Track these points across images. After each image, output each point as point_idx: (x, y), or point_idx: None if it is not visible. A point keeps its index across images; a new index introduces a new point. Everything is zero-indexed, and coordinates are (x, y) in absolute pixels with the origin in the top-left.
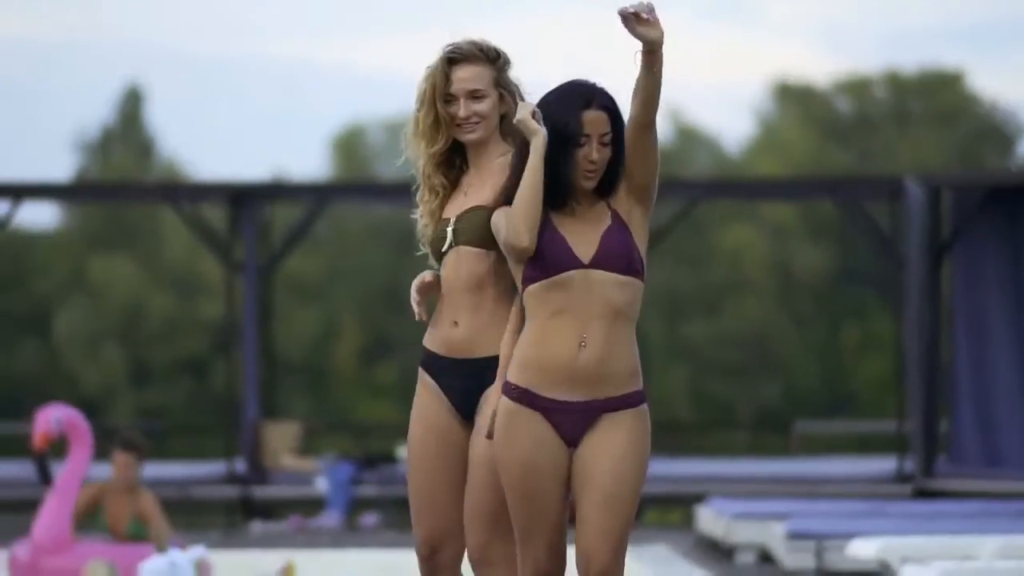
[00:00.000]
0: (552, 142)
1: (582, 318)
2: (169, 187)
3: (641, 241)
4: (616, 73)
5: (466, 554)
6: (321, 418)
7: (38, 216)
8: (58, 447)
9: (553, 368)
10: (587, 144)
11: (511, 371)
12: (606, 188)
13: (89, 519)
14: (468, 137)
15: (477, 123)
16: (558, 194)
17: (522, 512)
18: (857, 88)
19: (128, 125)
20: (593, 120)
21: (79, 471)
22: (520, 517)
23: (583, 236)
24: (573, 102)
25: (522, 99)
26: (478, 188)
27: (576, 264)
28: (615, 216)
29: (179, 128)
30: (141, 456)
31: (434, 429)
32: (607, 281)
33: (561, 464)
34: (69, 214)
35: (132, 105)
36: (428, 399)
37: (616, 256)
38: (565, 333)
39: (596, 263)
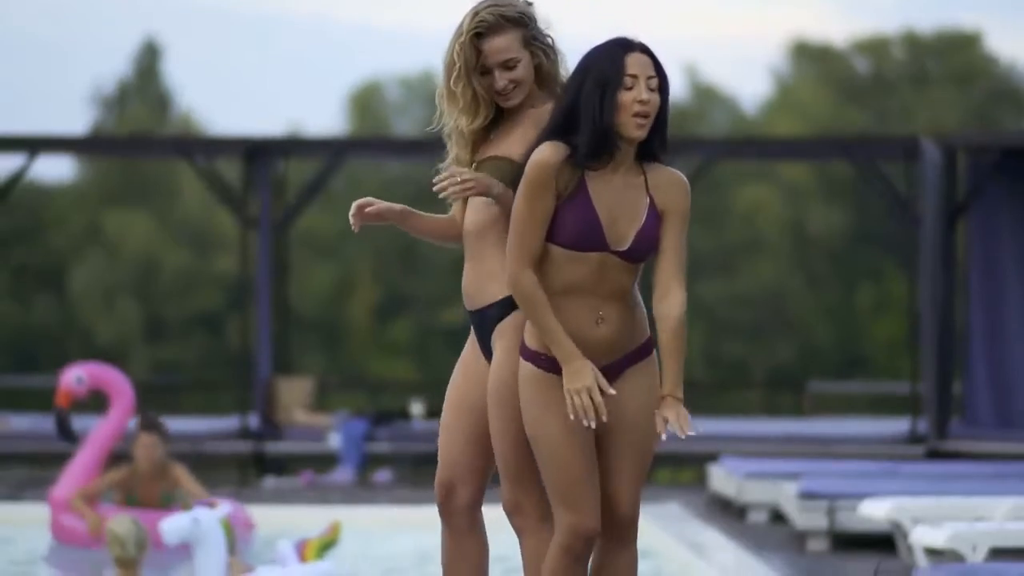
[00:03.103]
0: (595, 90)
1: (597, 296)
2: (184, 141)
3: (671, 238)
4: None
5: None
6: (335, 374)
7: (54, 169)
8: (100, 402)
9: (573, 340)
10: (635, 86)
11: (531, 338)
12: (649, 149)
13: (121, 500)
14: (510, 103)
15: (515, 89)
16: (599, 149)
17: (562, 477)
18: (874, 48)
19: (145, 79)
20: (637, 61)
21: (114, 430)
22: (561, 482)
23: (619, 221)
24: (614, 48)
25: (552, 43)
26: (503, 137)
27: (603, 247)
28: (651, 207)
29: (196, 82)
30: (164, 436)
31: (464, 372)
32: (620, 267)
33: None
34: (85, 168)
35: (149, 59)
36: (469, 347)
37: (645, 251)
38: (581, 311)
39: (624, 255)
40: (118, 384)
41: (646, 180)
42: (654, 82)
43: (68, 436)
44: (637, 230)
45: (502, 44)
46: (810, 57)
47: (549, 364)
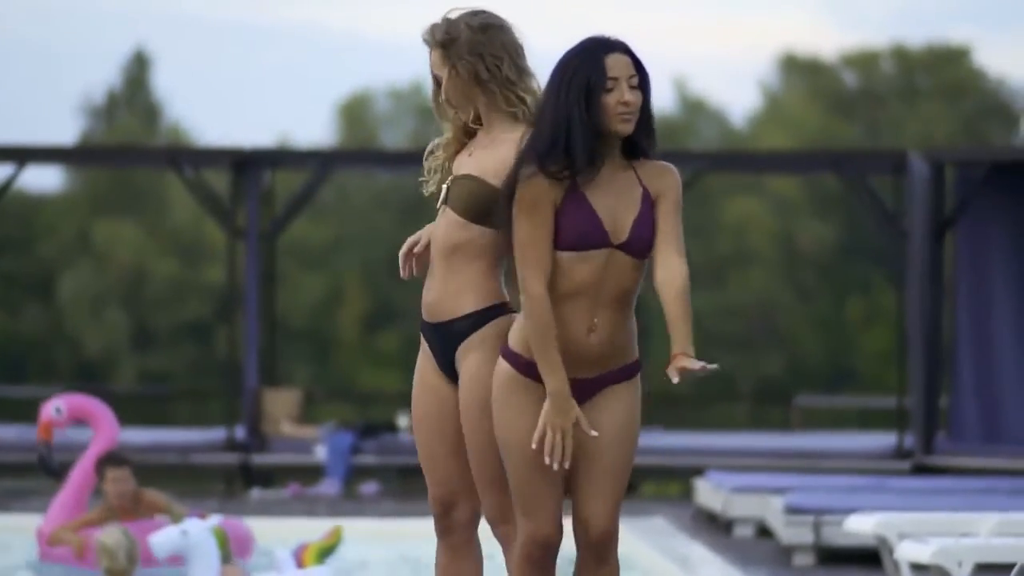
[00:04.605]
0: (578, 98)
1: (595, 302)
2: (172, 152)
3: (666, 218)
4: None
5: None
6: (323, 385)
7: (43, 179)
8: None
9: (561, 349)
10: (616, 88)
11: (515, 340)
12: (636, 146)
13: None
14: (462, 115)
15: (446, 102)
16: (594, 156)
17: (526, 482)
18: (864, 62)
19: (134, 89)
20: (617, 63)
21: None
22: (523, 487)
23: (615, 213)
24: (593, 51)
25: (488, 56)
26: (480, 155)
27: (606, 243)
28: (645, 196)
29: (185, 93)
30: (132, 467)
31: (429, 389)
32: (626, 264)
33: None
34: (74, 177)
35: (138, 69)
36: (423, 360)
37: (644, 242)
38: (576, 318)
39: (624, 247)
40: (99, 414)
41: (636, 173)
42: (635, 80)
43: (52, 472)
44: (634, 219)
45: (433, 60)
46: (800, 71)
47: (527, 368)
